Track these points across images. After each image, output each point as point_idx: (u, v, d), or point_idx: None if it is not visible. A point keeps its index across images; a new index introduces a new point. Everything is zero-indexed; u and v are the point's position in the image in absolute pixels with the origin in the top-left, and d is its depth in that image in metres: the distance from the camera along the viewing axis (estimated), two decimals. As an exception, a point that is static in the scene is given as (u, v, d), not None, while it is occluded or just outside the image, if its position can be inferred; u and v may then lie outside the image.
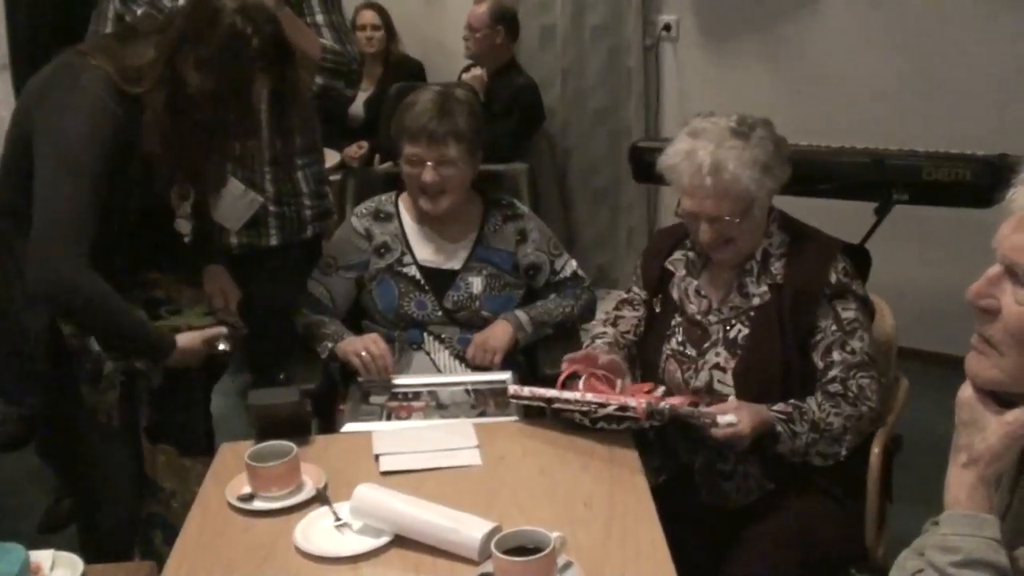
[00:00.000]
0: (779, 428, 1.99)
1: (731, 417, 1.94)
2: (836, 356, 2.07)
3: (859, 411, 2.04)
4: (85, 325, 2.09)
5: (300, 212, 2.85)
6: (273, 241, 2.81)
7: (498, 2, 4.59)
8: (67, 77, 2.06)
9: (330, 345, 2.47)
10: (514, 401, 2.16)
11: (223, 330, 2.24)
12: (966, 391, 1.29)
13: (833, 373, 2.07)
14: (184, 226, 2.27)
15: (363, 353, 2.41)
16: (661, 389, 2.10)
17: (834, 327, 2.08)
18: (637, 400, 1.99)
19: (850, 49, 4.09)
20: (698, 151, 2.05)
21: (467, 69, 4.62)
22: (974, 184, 2.98)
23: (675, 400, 2.05)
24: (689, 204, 2.11)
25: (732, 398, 2.00)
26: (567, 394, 2.06)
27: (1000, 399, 1.27)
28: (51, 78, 2.08)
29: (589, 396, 2.03)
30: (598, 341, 2.29)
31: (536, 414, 2.22)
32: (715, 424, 1.94)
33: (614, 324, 2.35)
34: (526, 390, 2.12)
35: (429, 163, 2.46)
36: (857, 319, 2.10)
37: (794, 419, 2.00)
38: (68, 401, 2.18)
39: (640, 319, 2.33)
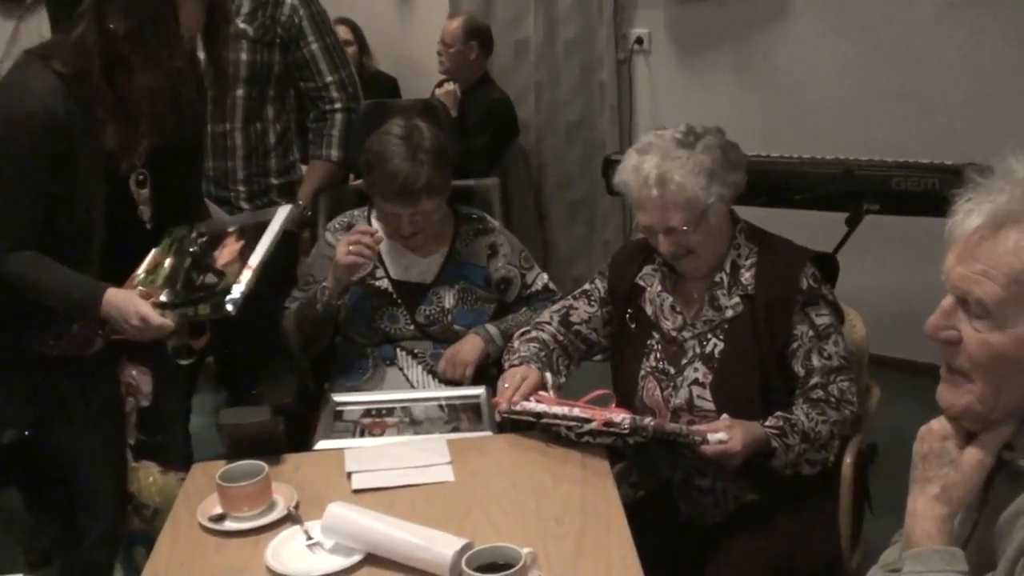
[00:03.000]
0: (775, 444, 1.98)
1: (722, 435, 1.93)
2: (815, 362, 2.08)
3: (843, 415, 2.06)
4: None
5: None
6: None
7: (471, 17, 4.61)
8: (10, 77, 2.08)
9: (323, 295, 2.49)
10: (504, 415, 2.14)
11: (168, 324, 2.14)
12: (932, 424, 1.30)
13: (814, 380, 2.08)
14: (146, 212, 2.25)
15: (349, 248, 2.42)
16: (626, 419, 2.02)
17: (811, 333, 2.09)
18: (622, 416, 1.99)
19: (820, 61, 4.12)
20: (644, 164, 2.08)
21: (440, 84, 4.62)
22: (943, 193, 3.00)
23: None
24: (643, 218, 2.13)
25: (725, 416, 2.00)
26: (555, 409, 2.06)
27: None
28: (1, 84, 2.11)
29: (576, 411, 2.04)
30: (525, 348, 2.25)
31: (511, 428, 2.21)
32: (705, 441, 1.93)
33: (564, 319, 2.33)
34: (517, 405, 2.10)
35: (405, 218, 2.47)
36: (832, 324, 2.12)
37: (786, 432, 2.01)
38: (56, 419, 2.18)
39: (593, 316, 2.32)
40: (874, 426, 2.30)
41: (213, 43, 2.18)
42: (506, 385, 2.12)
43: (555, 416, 2.05)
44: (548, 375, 2.15)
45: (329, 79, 3.04)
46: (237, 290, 2.11)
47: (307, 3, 2.99)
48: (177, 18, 2.01)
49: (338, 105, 3.07)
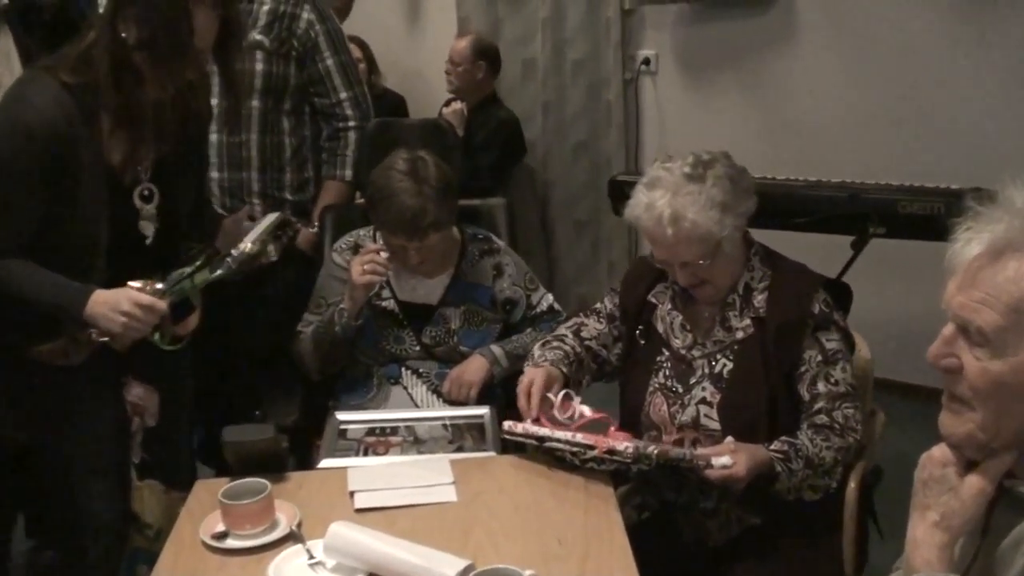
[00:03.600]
0: (779, 468, 1.98)
1: (726, 459, 1.92)
2: (821, 387, 2.08)
3: (847, 442, 2.05)
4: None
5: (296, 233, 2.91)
6: (273, 257, 2.86)
7: (480, 37, 4.64)
8: (13, 90, 2.07)
9: (341, 316, 2.48)
10: (507, 437, 2.15)
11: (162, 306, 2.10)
12: (933, 451, 1.30)
13: (819, 405, 2.07)
14: (147, 227, 2.22)
15: (363, 268, 2.43)
16: (629, 447, 2.00)
17: (819, 358, 2.09)
18: (625, 444, 1.98)
19: (826, 83, 4.13)
20: (656, 202, 2.06)
21: (448, 103, 4.64)
22: (949, 218, 2.99)
23: (666, 443, 2.04)
24: (658, 252, 2.14)
25: (729, 439, 2.00)
26: (559, 433, 2.05)
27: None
28: (4, 97, 2.09)
29: (579, 437, 2.03)
30: (552, 353, 2.26)
31: (514, 448, 2.21)
32: (709, 466, 1.92)
33: (576, 333, 2.34)
34: (519, 427, 2.10)
35: (411, 250, 2.47)
36: (840, 350, 2.11)
37: (790, 457, 2.00)
38: (60, 435, 2.18)
39: (601, 333, 2.33)
40: (879, 450, 2.30)
41: (225, 55, 2.17)
42: (526, 381, 2.16)
43: (558, 441, 2.05)
44: (575, 396, 2.15)
45: (343, 95, 3.05)
46: (237, 250, 2.14)
47: (323, 19, 3.00)
48: (191, 28, 2.00)
49: (352, 123, 3.08)
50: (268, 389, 2.60)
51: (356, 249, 2.62)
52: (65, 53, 2.06)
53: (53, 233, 2.06)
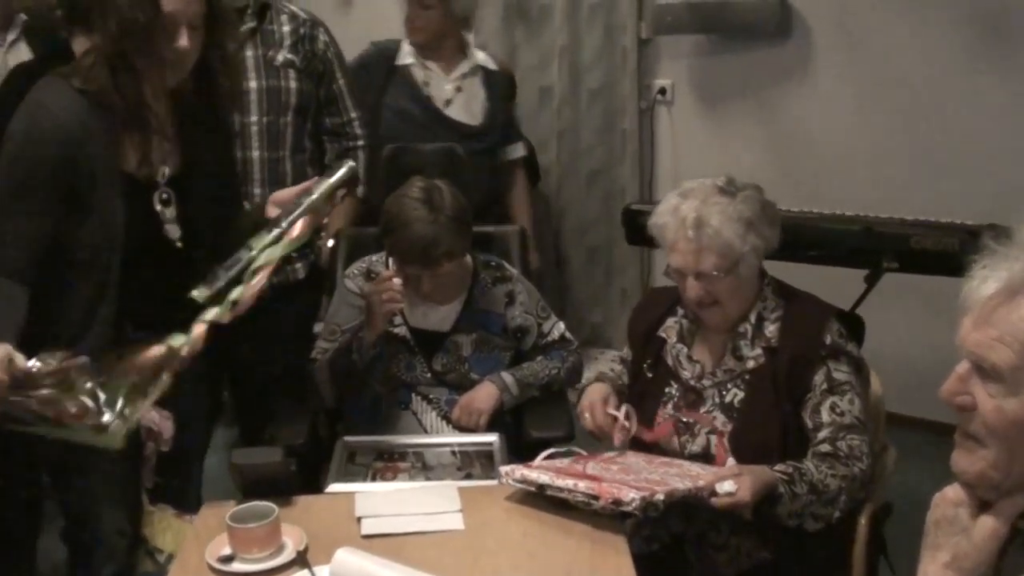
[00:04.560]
0: (781, 489, 1.97)
1: (728, 486, 1.91)
2: (825, 416, 2.07)
3: (852, 471, 2.03)
4: None
5: (320, 253, 2.94)
6: (301, 275, 2.85)
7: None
8: (30, 98, 2.08)
9: (359, 344, 2.48)
10: (502, 482, 2.10)
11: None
12: (946, 491, 1.30)
13: (823, 434, 2.06)
14: (173, 231, 2.21)
15: (382, 297, 2.42)
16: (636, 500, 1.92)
17: (824, 386, 2.09)
18: (631, 496, 1.91)
19: (841, 116, 4.13)
20: (683, 206, 2.11)
21: (464, 129, 4.65)
22: (962, 254, 3.00)
23: (673, 481, 2.02)
24: (674, 259, 2.14)
25: (731, 461, 1.99)
26: (560, 482, 2.01)
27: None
28: (22, 103, 2.09)
29: (582, 486, 1.97)
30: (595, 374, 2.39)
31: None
32: (714, 494, 1.91)
33: (612, 370, 2.42)
34: (517, 473, 2.07)
35: (424, 278, 2.47)
36: (848, 382, 2.10)
37: (795, 480, 1.99)
38: (73, 457, 2.18)
39: (621, 374, 2.38)
40: (891, 486, 2.28)
41: (217, 47, 2.15)
42: (586, 402, 2.26)
43: (560, 489, 2.00)
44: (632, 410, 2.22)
45: (354, 115, 3.08)
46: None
47: (333, 41, 3.05)
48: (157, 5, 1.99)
49: (361, 142, 3.10)
50: (277, 411, 2.59)
51: (368, 275, 2.63)
52: (77, 60, 2.08)
53: (67, 239, 2.07)
